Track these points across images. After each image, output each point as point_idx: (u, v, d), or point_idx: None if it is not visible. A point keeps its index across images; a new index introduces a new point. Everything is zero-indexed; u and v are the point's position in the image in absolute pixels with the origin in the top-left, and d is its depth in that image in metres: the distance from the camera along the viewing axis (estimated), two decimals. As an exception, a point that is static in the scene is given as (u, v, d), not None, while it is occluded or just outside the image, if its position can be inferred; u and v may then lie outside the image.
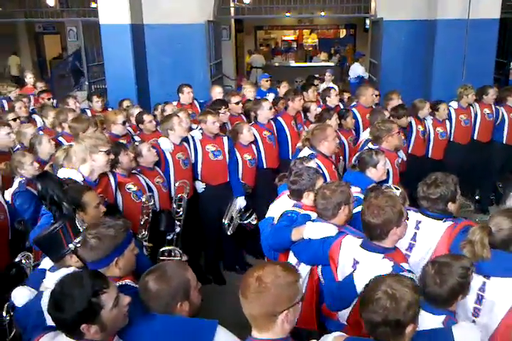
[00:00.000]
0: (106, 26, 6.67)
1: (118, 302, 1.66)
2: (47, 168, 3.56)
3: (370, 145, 3.87)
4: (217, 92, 5.44)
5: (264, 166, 4.56)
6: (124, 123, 4.38)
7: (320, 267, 2.61)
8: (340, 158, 4.39)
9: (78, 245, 2.06)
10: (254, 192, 4.44)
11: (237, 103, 4.97)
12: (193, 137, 4.16)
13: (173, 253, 3.20)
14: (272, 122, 4.79)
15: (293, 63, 15.56)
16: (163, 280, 1.80)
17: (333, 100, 5.34)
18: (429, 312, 2.00)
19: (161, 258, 3.16)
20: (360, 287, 2.13)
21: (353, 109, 5.10)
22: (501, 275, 2.19)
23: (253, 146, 4.46)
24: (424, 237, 2.54)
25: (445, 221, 2.53)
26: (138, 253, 2.16)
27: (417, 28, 6.83)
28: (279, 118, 4.90)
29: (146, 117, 4.55)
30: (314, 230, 2.50)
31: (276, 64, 15.49)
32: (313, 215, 2.69)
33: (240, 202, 4.20)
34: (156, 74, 7.12)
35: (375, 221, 2.22)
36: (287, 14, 14.09)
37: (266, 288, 1.57)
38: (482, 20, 6.19)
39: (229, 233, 4.10)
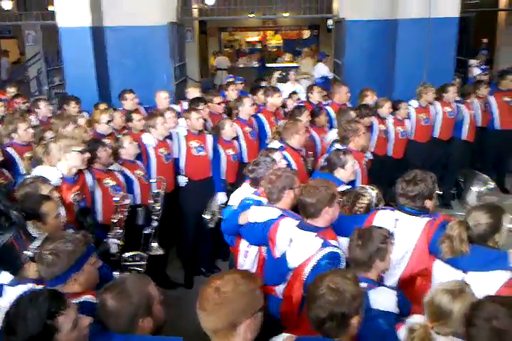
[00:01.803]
0: (65, 29, 6.46)
1: (77, 324, 1.57)
2: (26, 161, 3.78)
3: (337, 145, 3.89)
4: (162, 98, 5.33)
5: (246, 161, 4.64)
6: (108, 122, 4.50)
7: (264, 247, 2.77)
8: (310, 153, 4.50)
9: (35, 251, 1.96)
10: (236, 185, 4.48)
11: (219, 103, 5.12)
12: (178, 133, 4.32)
13: (137, 259, 3.14)
14: (253, 118, 4.97)
15: (258, 64, 15.57)
16: (122, 297, 1.72)
17: (315, 97, 5.47)
18: None
19: (126, 263, 3.11)
20: (291, 262, 2.36)
21: (327, 107, 5.23)
22: (479, 270, 2.22)
23: (235, 142, 4.60)
24: (403, 234, 2.57)
25: (423, 217, 2.55)
26: (101, 266, 2.06)
27: (379, 28, 6.90)
28: (260, 114, 5.06)
29: (136, 116, 4.61)
30: (257, 214, 2.70)
31: (241, 65, 15.48)
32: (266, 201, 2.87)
33: (221, 197, 4.25)
34: (117, 78, 6.95)
35: (309, 200, 2.41)
36: (250, 15, 14.04)
37: (226, 299, 1.51)
38: (442, 19, 6.29)
39: (211, 226, 4.11)
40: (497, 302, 1.75)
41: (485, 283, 2.16)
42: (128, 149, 3.85)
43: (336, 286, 1.75)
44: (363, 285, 2.12)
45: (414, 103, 5.51)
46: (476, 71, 7.84)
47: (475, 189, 5.39)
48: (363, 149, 4.04)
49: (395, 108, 5.21)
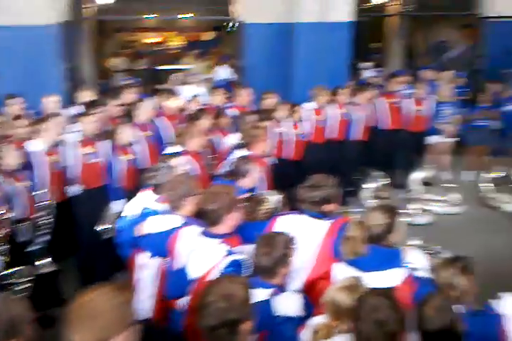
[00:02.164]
0: None
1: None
2: None
3: (240, 151, 3.88)
4: (50, 102, 5.11)
5: (145, 167, 4.41)
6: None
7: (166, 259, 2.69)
8: (212, 157, 4.51)
9: None
10: (135, 193, 4.29)
11: (118, 106, 4.97)
12: (68, 139, 4.14)
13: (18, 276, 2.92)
14: (152, 122, 4.87)
15: (158, 66, 15.20)
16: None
17: (217, 99, 5.48)
18: (260, 287, 2.10)
19: (8, 282, 2.89)
20: (193, 273, 2.30)
21: (229, 110, 5.21)
22: (377, 270, 2.31)
23: (133, 147, 4.44)
24: (307, 238, 2.61)
25: (325, 220, 2.60)
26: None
27: (277, 31, 7.04)
28: (159, 118, 4.97)
29: (19, 122, 4.33)
30: (154, 224, 2.62)
31: (141, 67, 15.03)
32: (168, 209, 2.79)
33: (116, 206, 4.06)
34: (3, 83, 6.37)
35: (211, 206, 2.38)
36: (148, 16, 13.68)
37: (94, 313, 1.43)
38: (337, 23, 6.55)
39: (107, 237, 3.93)
40: (379, 294, 1.85)
41: (384, 282, 2.25)
42: (8, 158, 3.61)
43: (225, 292, 1.74)
44: (268, 291, 2.12)
45: (310, 105, 5.71)
46: (367, 74, 8.30)
47: (369, 186, 5.72)
48: (266, 154, 4.08)
49: (292, 111, 5.35)
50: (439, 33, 15.09)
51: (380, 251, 2.37)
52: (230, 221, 2.43)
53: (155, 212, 2.80)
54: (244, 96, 5.42)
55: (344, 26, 6.55)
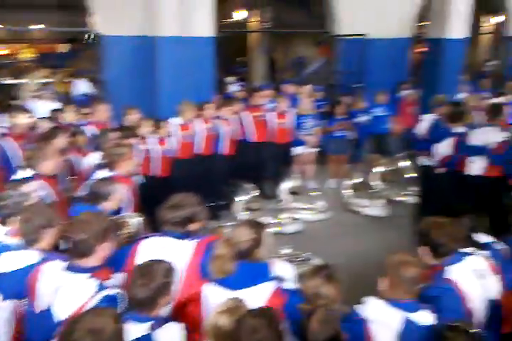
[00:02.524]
0: None
1: None
2: None
3: (102, 172, 3.65)
4: None
5: None
6: None
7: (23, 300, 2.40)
8: (70, 179, 4.22)
9: None
10: None
11: None
12: None
13: None
14: None
15: (6, 80, 13.91)
16: None
17: (69, 116, 5.19)
18: (135, 321, 2.00)
19: None
20: (60, 314, 2.08)
21: (86, 127, 4.88)
22: (247, 286, 2.28)
23: None
24: (173, 261, 2.47)
25: (190, 240, 2.52)
26: None
27: (139, 44, 6.86)
28: (5, 138, 4.53)
29: None
30: (6, 261, 2.35)
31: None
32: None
33: None
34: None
35: (80, 236, 2.19)
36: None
37: None
38: (199, 38, 6.58)
39: None
40: (257, 315, 1.85)
41: (254, 298, 2.25)
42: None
43: (92, 326, 1.62)
44: (147, 325, 1.99)
45: (176, 120, 5.64)
46: (233, 88, 8.50)
47: (240, 199, 5.82)
48: (132, 173, 3.90)
49: (157, 126, 5.23)
50: (298, 49, 16.13)
51: (249, 266, 2.37)
52: (102, 252, 2.25)
53: (6, 248, 2.47)
54: (102, 112, 5.12)
55: (206, 41, 6.61)
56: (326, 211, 6.34)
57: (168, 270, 2.16)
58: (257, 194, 6.09)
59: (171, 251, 2.50)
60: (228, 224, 5.29)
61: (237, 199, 5.84)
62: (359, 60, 8.32)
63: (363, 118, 7.64)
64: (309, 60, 15.10)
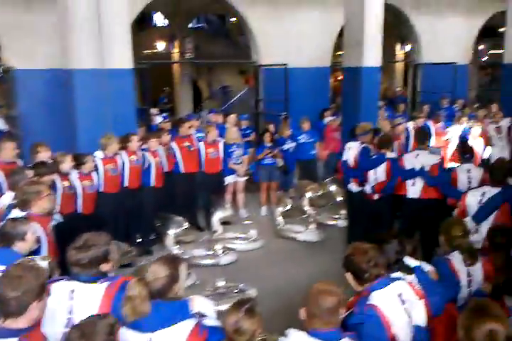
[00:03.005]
0: None
1: None
2: None
3: (15, 211, 3.42)
4: None
5: None
6: None
7: None
8: None
9: None
10: None
11: None
12: None
13: None
14: None
15: None
16: None
17: (7, 154, 4.73)
18: None
19: None
20: None
21: None
22: (164, 326, 2.18)
23: None
24: (83, 305, 2.34)
25: (101, 282, 2.38)
26: None
27: (54, 78, 6.66)
28: None
29: None
30: None
31: None
32: None
33: None
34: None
35: (13, 293, 1.96)
36: None
37: None
38: (117, 70, 6.49)
39: None
40: None
41: (172, 339, 2.16)
42: None
43: None
44: None
45: (99, 154, 5.47)
46: (157, 119, 8.42)
47: (171, 232, 5.69)
48: (49, 212, 3.68)
49: (79, 161, 5.03)
50: (223, 78, 16.42)
51: (165, 305, 2.25)
52: (35, 311, 2.03)
53: None
54: (9, 150, 4.74)
55: (125, 73, 6.53)
56: (259, 239, 6.34)
57: (113, 325, 1.99)
58: (189, 226, 5.98)
59: (82, 295, 2.34)
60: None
61: (168, 232, 5.70)
62: (282, 88, 8.58)
63: (289, 145, 7.83)
64: (234, 89, 15.42)
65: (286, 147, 7.82)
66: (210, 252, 5.81)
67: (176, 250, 5.72)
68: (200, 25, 16.10)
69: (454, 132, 8.08)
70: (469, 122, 8.07)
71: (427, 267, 3.05)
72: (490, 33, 14.30)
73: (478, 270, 3.19)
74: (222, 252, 5.77)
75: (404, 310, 2.40)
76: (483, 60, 15.46)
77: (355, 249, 2.50)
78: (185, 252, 5.77)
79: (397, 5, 10.57)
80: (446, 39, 11.41)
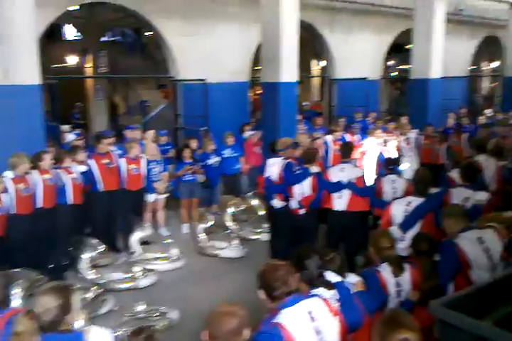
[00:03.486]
0: None
1: None
2: None
3: None
4: None
5: None
6: None
7: None
8: None
9: None
10: None
11: None
12: None
13: None
14: None
15: None
16: None
17: None
18: None
19: None
20: None
21: None
22: None
23: None
24: None
25: None
26: None
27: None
28: None
29: None
30: None
31: None
32: None
33: None
34: None
35: None
36: None
37: None
38: (23, 86, 6.19)
39: None
40: None
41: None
42: None
43: None
44: None
45: (9, 174, 5.19)
46: (69, 136, 8.11)
47: (86, 256, 5.46)
48: None
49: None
50: (140, 93, 16.18)
51: (57, 339, 2.14)
52: None
53: None
54: None
55: (32, 89, 6.24)
56: (180, 258, 6.24)
57: None
58: (105, 248, 5.77)
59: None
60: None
61: (82, 256, 5.46)
62: (201, 103, 8.60)
63: (213, 160, 7.85)
64: (152, 104, 15.22)
65: (210, 162, 7.82)
66: (129, 275, 5.62)
67: (91, 275, 5.48)
68: (114, 38, 15.78)
69: (369, 144, 8.50)
70: (384, 135, 8.55)
71: (355, 279, 3.14)
72: (398, 49, 15.34)
73: (406, 279, 3.33)
74: (142, 274, 5.60)
75: (314, 328, 2.40)
76: (393, 74, 16.47)
77: (267, 266, 2.52)
78: (102, 277, 5.55)
79: (311, 22, 11.03)
80: (358, 55, 12.07)
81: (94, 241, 5.59)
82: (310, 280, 2.74)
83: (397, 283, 3.29)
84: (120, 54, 15.23)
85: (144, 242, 6.46)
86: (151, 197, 7.08)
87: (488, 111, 11.99)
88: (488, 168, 5.49)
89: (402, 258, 3.57)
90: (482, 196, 4.46)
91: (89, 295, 4.89)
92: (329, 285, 2.80)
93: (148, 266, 5.92)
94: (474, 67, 16.60)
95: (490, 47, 16.81)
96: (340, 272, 3.03)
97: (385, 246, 3.39)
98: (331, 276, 2.91)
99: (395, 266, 3.33)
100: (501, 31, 14.25)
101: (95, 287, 5.10)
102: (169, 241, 6.67)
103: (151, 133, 7.97)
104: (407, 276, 3.33)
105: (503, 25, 13.27)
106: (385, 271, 3.30)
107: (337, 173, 5.34)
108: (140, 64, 15.15)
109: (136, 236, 6.22)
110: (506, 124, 8.22)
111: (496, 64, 17.62)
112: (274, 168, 5.75)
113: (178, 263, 6.18)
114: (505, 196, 4.52)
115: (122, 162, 6.59)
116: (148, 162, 6.93)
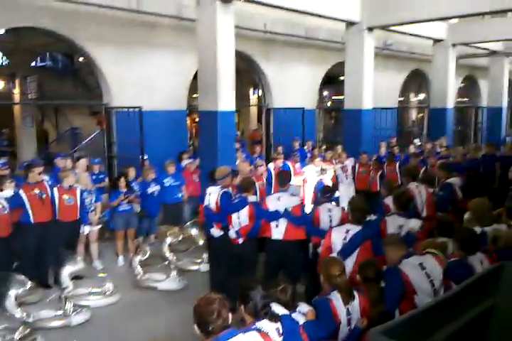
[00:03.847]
0: None
1: None
2: None
3: None
4: None
5: None
6: None
7: None
8: None
9: None
10: None
11: None
12: None
13: None
14: None
15: None
16: None
17: None
18: None
19: None
20: None
21: None
22: None
23: None
24: None
25: None
26: None
27: None
28: None
29: None
30: None
31: None
32: None
33: None
34: None
35: None
36: None
37: None
38: None
39: None
40: None
41: None
42: None
43: None
44: None
45: None
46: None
47: (12, 293, 5.14)
48: None
49: None
50: (72, 120, 15.76)
51: None
52: None
53: None
54: None
55: None
56: (116, 293, 6.01)
57: None
58: (35, 284, 5.46)
59: None
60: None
61: (10, 293, 5.13)
62: (137, 131, 8.50)
63: (153, 189, 7.73)
64: (85, 131, 14.84)
65: (150, 191, 7.70)
66: (60, 312, 5.34)
67: (18, 313, 5.15)
68: (44, 63, 15.38)
69: (309, 172, 8.74)
70: (322, 163, 8.83)
71: (306, 308, 3.15)
72: (333, 80, 16.03)
73: (356, 307, 3.38)
74: (74, 311, 5.34)
75: None
76: (328, 104, 17.12)
77: (201, 300, 2.50)
78: (31, 314, 5.23)
79: (248, 52, 11.33)
80: (294, 85, 12.49)
81: (21, 277, 5.27)
82: (255, 311, 2.72)
83: (348, 311, 3.34)
84: (51, 79, 14.84)
85: (76, 277, 6.18)
86: (85, 227, 6.82)
87: (417, 141, 12.69)
88: (420, 195, 5.78)
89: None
90: (415, 223, 4.68)
91: (17, 335, 4.59)
92: (274, 318, 2.78)
93: (81, 302, 5.66)
94: (403, 98, 17.60)
95: (417, 80, 17.95)
96: (291, 302, 3.04)
97: (335, 274, 3.43)
98: (278, 308, 2.91)
99: (345, 293, 3.37)
100: (426, 65, 15.28)
101: (23, 326, 4.80)
102: (103, 274, 6.43)
103: (83, 161, 7.77)
104: (356, 304, 3.40)
105: (428, 59, 14.24)
106: (336, 299, 3.34)
107: (274, 202, 5.42)
108: (72, 90, 14.82)
109: (67, 271, 5.93)
110: (433, 154, 8.74)
111: (422, 96, 18.77)
112: (212, 196, 5.76)
113: (113, 298, 5.94)
114: (439, 224, 4.76)
115: (55, 192, 6.34)
116: (82, 192, 6.72)
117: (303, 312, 3.08)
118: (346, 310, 3.34)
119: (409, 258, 3.64)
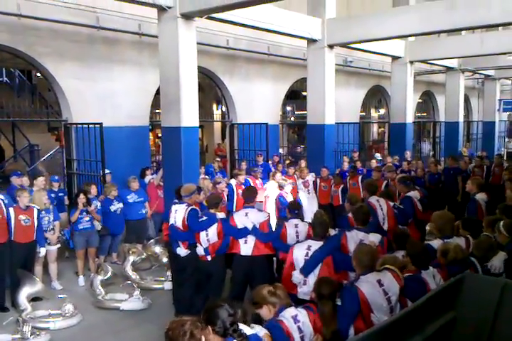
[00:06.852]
0: None
1: None
2: None
3: None
4: None
5: None
6: None
7: None
8: None
9: None
10: None
11: None
12: None
13: None
14: None
15: None
16: None
17: None
18: None
19: None
20: None
21: None
22: None
23: None
24: None
25: None
26: None
27: None
28: None
29: None
30: None
31: None
32: None
33: None
34: None
35: None
36: None
37: None
38: None
39: None
40: None
41: None
42: None
43: None
44: None
45: None
46: None
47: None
48: None
49: None
50: (29, 136, 15.41)
51: None
52: None
53: None
54: None
55: None
56: (76, 314, 5.88)
57: None
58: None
59: None
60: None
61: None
62: (97, 147, 8.41)
63: (116, 206, 7.65)
64: (43, 148, 14.54)
65: (113, 208, 7.62)
66: (17, 336, 5.20)
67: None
68: (1, 79, 15.06)
69: (270, 188, 8.83)
70: (283, 178, 8.94)
71: (262, 332, 3.16)
72: (296, 96, 16.32)
73: (306, 324, 3.39)
74: (32, 334, 5.21)
75: None
76: (291, 119, 17.38)
77: (173, 322, 2.49)
78: (-15, 339, 5.08)
79: (211, 68, 11.44)
80: (257, 101, 12.67)
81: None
82: (224, 330, 2.73)
83: (299, 329, 3.36)
84: (7, 95, 14.52)
85: (35, 298, 6.03)
86: (42, 249, 6.65)
87: (378, 155, 13.02)
88: (381, 208, 5.94)
89: (304, 302, 3.68)
90: (375, 237, 4.79)
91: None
92: (242, 337, 2.79)
93: (40, 325, 5.51)
94: (364, 113, 18.06)
95: (377, 96, 18.47)
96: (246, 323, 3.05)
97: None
98: (245, 328, 2.91)
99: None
100: (386, 81, 15.78)
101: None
102: (63, 296, 6.29)
103: (40, 179, 7.62)
104: (307, 321, 3.41)
105: (388, 76, 14.73)
106: (286, 319, 3.35)
107: (242, 218, 5.46)
108: (29, 106, 14.52)
109: (25, 292, 5.81)
110: (392, 169, 9.00)
111: (382, 111, 19.29)
112: (178, 214, 5.72)
113: (74, 319, 5.81)
114: (395, 238, 4.89)
115: (11, 212, 6.20)
116: (39, 211, 6.58)
117: (260, 336, 3.08)
118: (297, 327, 3.35)
119: (368, 275, 3.68)
